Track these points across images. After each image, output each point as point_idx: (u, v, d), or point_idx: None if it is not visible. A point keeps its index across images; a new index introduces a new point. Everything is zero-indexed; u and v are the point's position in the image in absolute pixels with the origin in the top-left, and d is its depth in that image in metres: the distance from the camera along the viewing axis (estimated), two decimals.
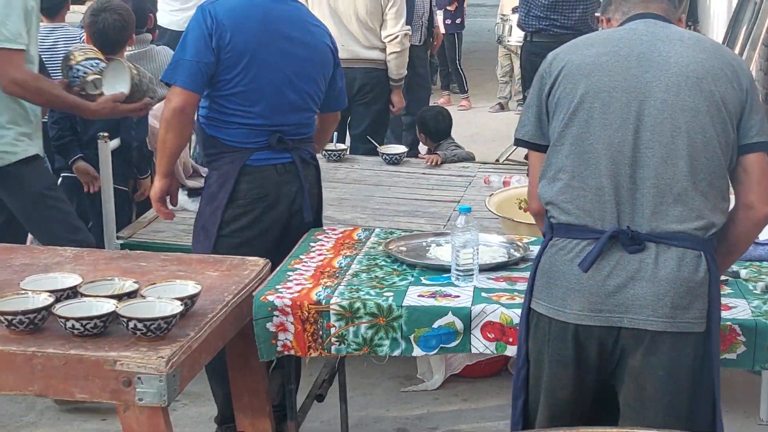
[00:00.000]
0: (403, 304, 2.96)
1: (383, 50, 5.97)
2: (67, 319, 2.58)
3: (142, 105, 4.06)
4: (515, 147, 8.27)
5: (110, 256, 3.33)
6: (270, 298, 3.00)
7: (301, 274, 3.20)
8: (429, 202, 4.99)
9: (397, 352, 2.98)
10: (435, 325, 2.94)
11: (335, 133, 5.32)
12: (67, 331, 2.59)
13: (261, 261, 3.22)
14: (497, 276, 3.19)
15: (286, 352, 3.04)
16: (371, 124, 6.09)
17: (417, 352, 2.98)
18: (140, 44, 5.12)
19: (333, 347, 3.00)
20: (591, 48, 2.61)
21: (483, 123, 10.18)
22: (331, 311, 2.98)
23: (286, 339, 3.01)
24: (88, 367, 2.52)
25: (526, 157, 6.04)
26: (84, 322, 2.57)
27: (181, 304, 2.67)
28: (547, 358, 2.60)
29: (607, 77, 2.54)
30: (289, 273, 3.21)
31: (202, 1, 3.59)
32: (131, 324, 2.56)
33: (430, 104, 7.65)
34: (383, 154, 5.74)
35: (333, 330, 2.99)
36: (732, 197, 2.61)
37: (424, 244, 3.51)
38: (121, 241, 4.47)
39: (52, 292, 2.72)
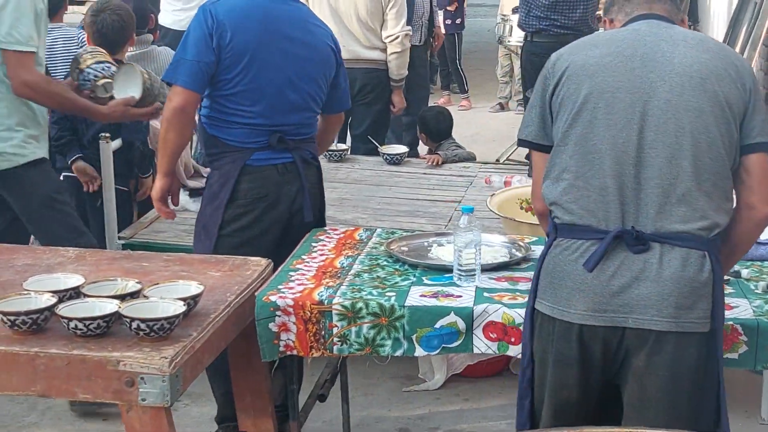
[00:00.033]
0: (405, 304, 2.96)
1: (384, 50, 5.98)
2: (70, 319, 2.58)
3: (153, 109, 4.05)
4: (516, 147, 8.31)
5: (112, 257, 3.33)
6: (272, 298, 3.00)
7: (303, 274, 3.20)
8: (430, 202, 5.00)
9: (399, 352, 2.98)
10: (437, 325, 2.94)
11: None
12: (70, 332, 2.59)
13: (263, 261, 3.22)
14: (499, 276, 3.19)
15: (288, 352, 3.04)
16: (372, 124, 6.10)
17: (419, 352, 2.98)
18: (141, 45, 5.13)
19: (335, 347, 3.00)
20: (594, 49, 2.61)
21: (483, 123, 10.18)
22: (334, 311, 2.98)
23: (288, 339, 3.01)
24: (90, 367, 2.51)
25: (527, 157, 6.07)
26: (87, 323, 2.57)
27: (184, 305, 2.67)
28: (552, 358, 2.61)
29: (611, 78, 2.55)
30: (291, 273, 3.21)
31: (204, 1, 3.59)
32: (134, 324, 2.56)
33: (430, 104, 7.66)
34: (384, 154, 5.75)
35: (335, 330, 2.99)
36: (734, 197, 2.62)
37: (426, 244, 3.51)
38: (122, 242, 4.48)
39: (54, 292, 2.71)
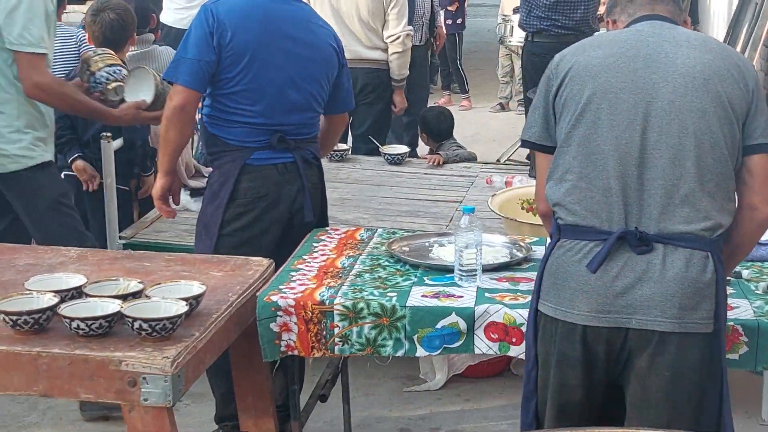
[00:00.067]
0: (406, 305, 2.96)
1: (385, 50, 5.98)
2: (72, 319, 2.58)
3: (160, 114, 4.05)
4: (517, 147, 8.31)
5: (114, 256, 3.34)
6: (273, 298, 3.00)
7: (305, 275, 3.21)
8: (431, 203, 5.00)
9: (400, 353, 2.99)
10: (438, 326, 2.95)
11: None
12: (72, 332, 2.59)
13: (265, 261, 3.22)
14: (500, 276, 3.19)
15: (289, 353, 3.04)
16: (373, 124, 6.10)
17: (420, 352, 2.98)
18: (143, 44, 5.13)
19: (336, 347, 3.01)
20: (597, 49, 2.61)
21: (484, 123, 10.18)
22: (335, 311, 2.98)
23: (289, 339, 3.02)
24: (93, 367, 2.52)
25: (528, 157, 6.08)
26: (89, 323, 2.57)
27: (186, 305, 2.67)
28: (555, 359, 2.61)
29: (614, 78, 2.55)
30: (293, 273, 3.21)
31: (206, 1, 3.60)
32: (136, 324, 2.56)
33: (431, 104, 7.66)
34: (385, 154, 5.75)
35: (336, 330, 2.99)
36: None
37: (427, 244, 3.51)
38: (123, 241, 4.48)
39: (56, 292, 2.72)
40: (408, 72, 6.17)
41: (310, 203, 3.61)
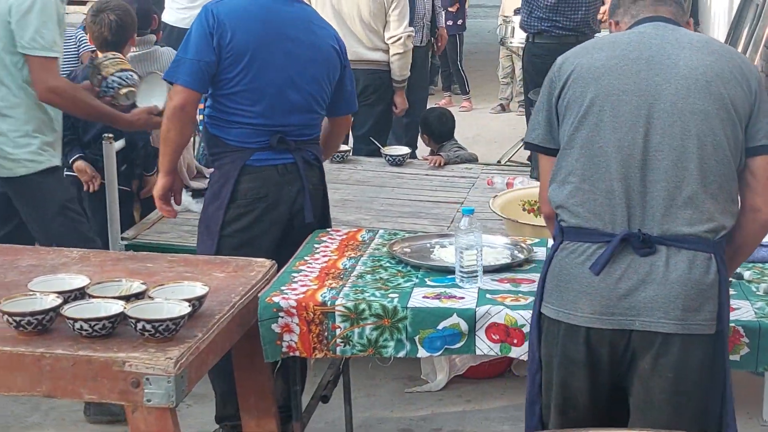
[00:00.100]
0: (408, 306, 2.97)
1: (386, 52, 5.99)
2: (76, 320, 2.59)
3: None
4: (518, 148, 8.31)
5: (117, 257, 3.35)
6: (275, 299, 3.01)
7: (306, 276, 3.21)
8: (432, 204, 5.00)
9: (402, 354, 2.99)
10: (440, 327, 2.95)
11: None
12: (76, 332, 2.60)
13: (267, 262, 3.23)
14: (501, 277, 3.20)
15: (291, 353, 3.05)
16: (374, 125, 6.10)
17: (422, 353, 2.99)
18: (144, 45, 5.13)
19: (338, 348, 3.01)
20: (600, 51, 2.62)
21: (484, 124, 10.19)
22: (337, 312, 2.99)
23: (291, 340, 3.02)
24: (96, 368, 2.53)
25: (529, 158, 6.09)
26: (92, 323, 2.58)
27: (189, 306, 2.68)
28: (559, 362, 2.61)
29: (617, 80, 2.55)
30: (294, 274, 3.22)
31: (208, 1, 3.62)
32: (139, 325, 2.57)
33: (432, 105, 7.67)
34: (386, 155, 5.76)
35: (338, 331, 3.00)
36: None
37: (428, 245, 3.52)
38: (125, 242, 4.48)
39: (59, 293, 2.73)
40: (409, 73, 6.17)
41: (310, 204, 3.61)
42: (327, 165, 4.70)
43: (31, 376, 2.56)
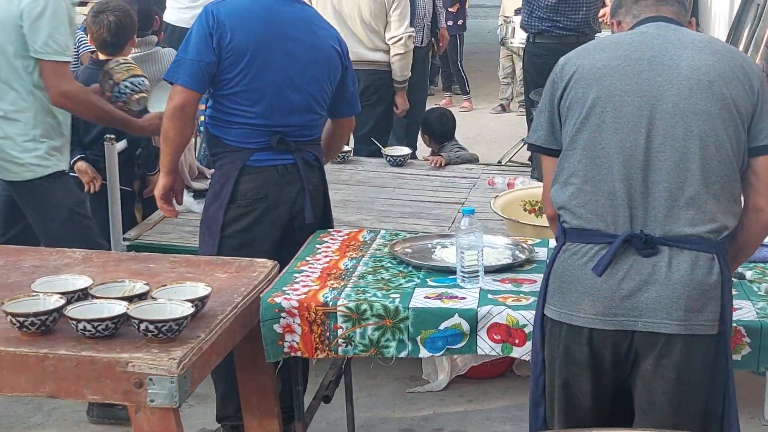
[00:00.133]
0: (409, 306, 2.98)
1: (387, 52, 5.99)
2: (79, 320, 2.60)
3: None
4: (518, 148, 8.31)
5: (119, 258, 3.36)
6: (277, 299, 3.02)
7: (308, 276, 3.22)
8: (433, 204, 5.01)
9: (403, 354, 3.00)
10: (441, 327, 2.96)
11: None
12: (79, 333, 2.61)
13: (269, 263, 3.24)
14: (503, 278, 3.21)
15: (292, 354, 3.06)
16: (375, 125, 6.10)
17: (424, 353, 3.00)
18: (146, 46, 5.13)
19: (340, 348, 3.02)
20: (602, 52, 2.62)
21: (484, 124, 10.19)
22: (338, 313, 3.00)
23: (292, 340, 3.03)
24: (99, 368, 2.54)
25: (530, 158, 6.09)
26: (95, 324, 2.59)
27: (192, 306, 2.69)
28: (563, 363, 2.62)
29: (619, 81, 2.56)
30: (296, 275, 3.23)
31: (209, 0, 3.63)
32: (142, 326, 2.58)
33: (432, 106, 7.67)
34: (387, 155, 5.76)
35: (340, 331, 3.01)
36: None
37: (430, 245, 3.53)
38: (127, 243, 4.49)
39: (63, 294, 2.74)
40: (410, 73, 6.18)
41: (310, 205, 3.61)
42: (328, 165, 4.70)
43: (35, 377, 2.57)
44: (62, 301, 2.68)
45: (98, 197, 4.66)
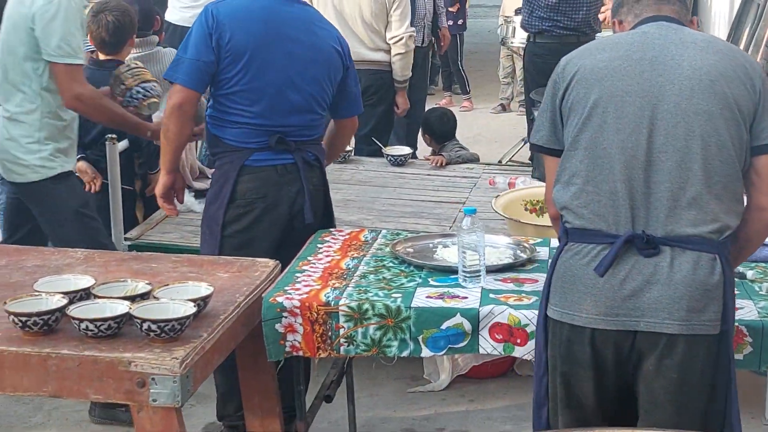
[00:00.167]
0: (411, 306, 2.98)
1: (388, 52, 6.00)
2: (81, 320, 2.60)
3: (200, 130, 4.02)
4: (518, 148, 8.30)
5: (121, 258, 3.36)
6: (279, 299, 3.02)
7: (310, 276, 3.22)
8: (434, 204, 5.01)
9: (405, 353, 3.00)
10: (443, 326, 2.96)
11: None
12: (81, 333, 2.61)
13: (271, 262, 3.24)
14: (504, 277, 3.21)
15: (294, 353, 3.06)
16: (376, 125, 6.11)
17: (425, 352, 3.00)
18: (147, 46, 5.13)
19: (342, 348, 3.02)
20: (603, 52, 2.62)
21: (485, 124, 10.20)
22: (340, 312, 3.00)
23: (294, 340, 3.03)
24: (102, 368, 2.54)
25: (531, 158, 6.09)
26: (98, 324, 2.59)
27: (195, 306, 2.69)
28: (565, 364, 2.62)
29: (621, 82, 2.56)
30: (298, 274, 3.23)
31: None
32: (145, 325, 2.58)
33: (432, 106, 7.67)
34: (388, 155, 5.77)
35: (342, 331, 3.01)
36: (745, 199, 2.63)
37: (431, 245, 3.53)
38: (128, 242, 4.50)
39: (65, 293, 2.74)
40: (410, 73, 6.18)
41: (309, 205, 3.61)
42: (329, 165, 4.71)
43: (37, 376, 2.57)
44: (65, 301, 2.69)
45: (98, 197, 4.66)
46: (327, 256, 3.42)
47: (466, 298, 3.03)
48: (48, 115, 3.90)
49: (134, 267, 3.19)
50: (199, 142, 5.19)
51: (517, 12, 7.73)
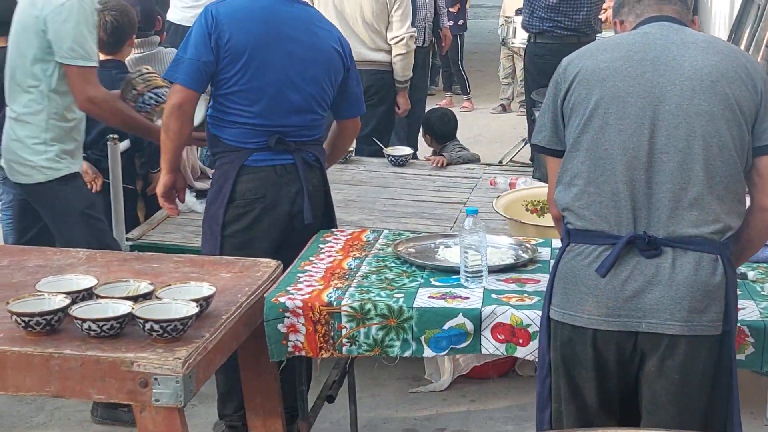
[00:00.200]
0: (413, 306, 2.98)
1: (389, 52, 6.00)
2: (84, 320, 2.60)
3: (200, 137, 4.06)
4: (519, 149, 8.30)
5: (123, 258, 3.36)
6: (281, 299, 3.02)
7: (312, 276, 3.22)
8: (435, 204, 5.01)
9: (408, 353, 3.01)
10: (445, 327, 2.96)
11: None
12: (84, 333, 2.61)
13: (273, 263, 3.24)
14: (506, 278, 3.21)
15: (297, 353, 3.06)
16: (377, 125, 6.10)
17: (428, 353, 3.00)
18: (148, 46, 5.14)
19: (344, 348, 3.03)
20: (605, 53, 2.62)
21: (485, 124, 10.20)
22: (342, 312, 3.00)
23: (297, 340, 3.03)
24: (104, 368, 2.54)
25: (531, 158, 6.09)
26: (100, 324, 2.60)
27: (197, 306, 2.69)
28: (568, 365, 2.62)
29: (622, 83, 2.56)
30: (300, 275, 3.23)
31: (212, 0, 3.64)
32: (147, 325, 2.58)
33: (433, 106, 7.68)
34: (389, 155, 5.77)
35: (344, 331, 3.01)
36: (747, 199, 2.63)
37: (433, 245, 3.53)
38: (130, 243, 4.50)
39: (67, 293, 2.74)
40: (411, 74, 6.18)
41: (309, 205, 3.61)
42: (331, 166, 4.71)
43: (40, 377, 2.57)
44: (67, 301, 2.69)
45: (99, 196, 4.66)
46: (329, 256, 3.43)
47: (468, 298, 3.03)
48: (54, 116, 3.90)
49: (136, 267, 3.19)
50: None
51: (518, 12, 7.74)
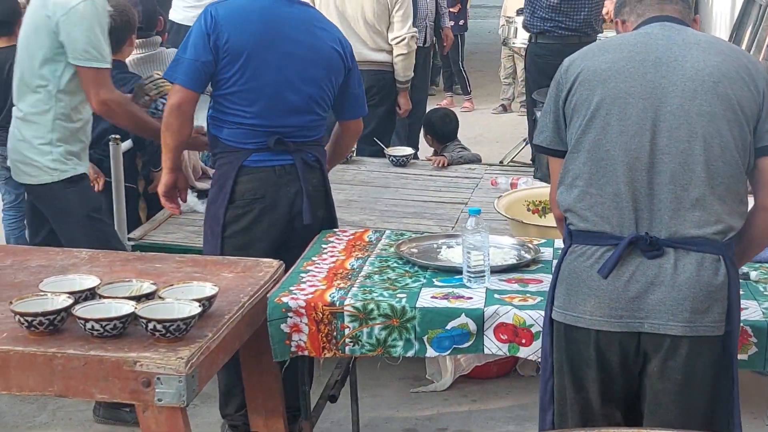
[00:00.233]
0: (416, 306, 2.98)
1: (390, 52, 6.00)
2: (87, 320, 2.60)
3: (199, 138, 4.05)
4: (520, 149, 8.30)
5: (125, 258, 3.36)
6: (284, 299, 3.02)
7: (314, 276, 3.22)
8: (437, 204, 5.02)
9: (410, 353, 3.01)
10: (448, 327, 2.96)
11: None
12: (87, 333, 2.61)
13: (275, 262, 3.25)
14: (509, 278, 3.21)
15: (299, 353, 3.06)
16: (378, 126, 6.10)
17: (430, 353, 3.00)
18: (149, 47, 5.14)
19: (347, 348, 3.03)
20: (606, 54, 2.62)
21: (486, 124, 10.20)
22: (345, 312, 3.00)
23: (299, 340, 3.04)
24: (107, 368, 2.54)
25: (532, 158, 6.09)
26: (103, 324, 2.60)
27: (199, 306, 2.69)
28: (571, 366, 2.62)
29: (624, 83, 2.55)
30: (302, 275, 3.23)
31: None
32: (150, 325, 2.59)
33: (434, 106, 7.68)
34: (390, 156, 5.77)
35: (347, 331, 3.01)
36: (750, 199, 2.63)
37: (435, 245, 3.53)
38: (132, 243, 4.50)
39: (70, 293, 2.74)
40: (412, 74, 6.19)
41: (308, 206, 3.60)
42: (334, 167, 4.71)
43: (43, 376, 2.57)
44: (70, 301, 2.69)
45: (102, 196, 4.66)
46: (332, 256, 3.43)
47: (470, 298, 3.03)
48: (61, 117, 3.89)
49: (139, 267, 3.19)
50: None
51: (519, 12, 7.74)
